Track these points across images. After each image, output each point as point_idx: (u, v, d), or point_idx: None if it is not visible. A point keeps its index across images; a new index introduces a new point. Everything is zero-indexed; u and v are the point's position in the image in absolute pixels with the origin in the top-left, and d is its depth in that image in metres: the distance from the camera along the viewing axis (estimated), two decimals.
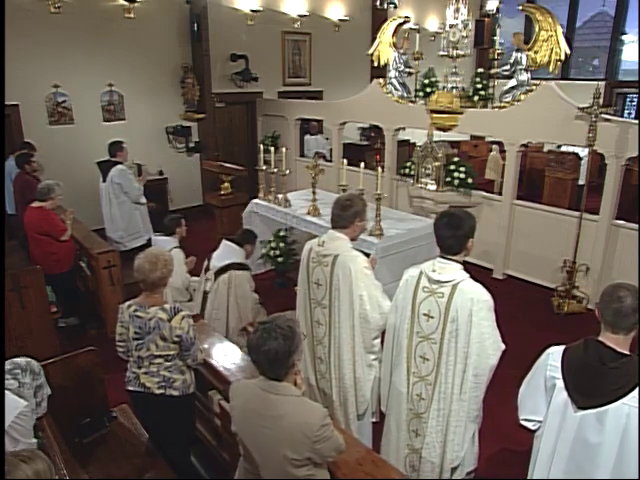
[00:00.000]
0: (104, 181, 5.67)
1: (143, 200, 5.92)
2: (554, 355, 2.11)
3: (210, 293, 3.91)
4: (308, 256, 2.99)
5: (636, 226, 4.99)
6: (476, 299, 2.37)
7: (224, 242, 4.11)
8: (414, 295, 2.55)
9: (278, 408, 1.87)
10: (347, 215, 2.83)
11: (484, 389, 2.50)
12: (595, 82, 5.02)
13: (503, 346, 2.49)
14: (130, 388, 2.77)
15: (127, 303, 2.73)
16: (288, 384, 1.93)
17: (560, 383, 2.03)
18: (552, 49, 5.56)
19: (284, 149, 5.58)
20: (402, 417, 2.68)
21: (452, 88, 6.04)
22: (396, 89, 7.03)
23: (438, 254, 2.55)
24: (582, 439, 1.97)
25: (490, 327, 2.41)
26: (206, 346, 3.13)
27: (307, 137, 9.06)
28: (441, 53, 5.97)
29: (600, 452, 1.93)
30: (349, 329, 2.85)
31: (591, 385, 1.96)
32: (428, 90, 6.65)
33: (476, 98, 6.14)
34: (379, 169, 4.55)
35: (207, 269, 4.04)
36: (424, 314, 2.52)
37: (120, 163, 5.67)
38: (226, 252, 4.01)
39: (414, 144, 8.07)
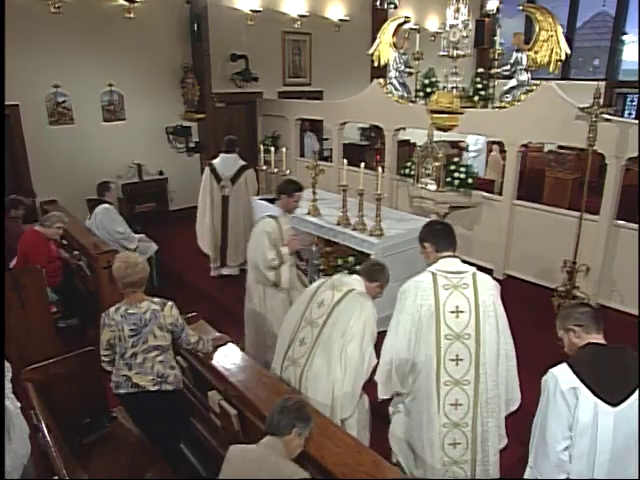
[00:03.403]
0: (89, 219, 5.57)
1: (131, 246, 5.43)
2: (560, 372, 2.10)
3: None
4: (323, 282, 3.05)
5: (636, 226, 4.99)
6: (493, 284, 2.60)
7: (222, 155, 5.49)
8: (435, 296, 2.55)
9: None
10: (376, 274, 2.99)
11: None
12: (595, 82, 5.00)
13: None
14: (122, 391, 2.80)
15: (112, 308, 2.80)
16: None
17: (583, 389, 2.02)
18: (552, 49, 5.55)
19: (284, 149, 5.58)
20: (434, 434, 2.59)
21: (452, 88, 6.03)
22: (396, 89, 7.02)
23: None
24: (622, 433, 2.00)
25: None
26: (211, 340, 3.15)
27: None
28: (441, 53, 5.95)
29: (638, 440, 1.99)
30: (334, 363, 2.75)
31: (616, 380, 2.01)
32: (428, 90, 6.64)
33: (476, 98, 6.13)
34: (379, 169, 4.56)
35: (219, 179, 5.56)
36: (451, 311, 2.52)
37: (108, 202, 5.55)
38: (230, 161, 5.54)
39: (414, 144, 8.07)
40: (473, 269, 2.61)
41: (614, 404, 1.99)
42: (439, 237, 2.67)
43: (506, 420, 2.77)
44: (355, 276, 3.03)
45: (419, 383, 2.61)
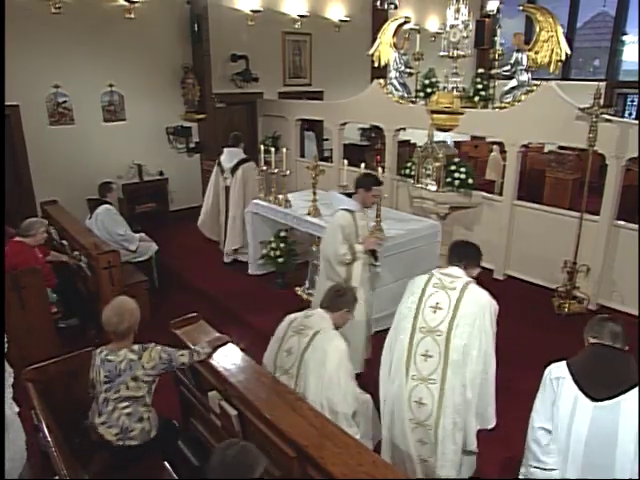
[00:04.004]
0: (90, 218, 5.59)
1: (132, 247, 5.58)
2: (556, 364, 2.22)
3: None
4: (289, 324, 2.94)
5: (636, 227, 4.98)
6: (487, 301, 2.55)
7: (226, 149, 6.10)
8: (422, 292, 2.63)
9: None
10: (339, 301, 2.89)
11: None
12: (596, 82, 5.02)
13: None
14: (92, 437, 2.79)
15: (100, 349, 2.80)
16: None
17: (568, 380, 2.10)
18: (553, 49, 5.53)
19: (284, 150, 5.58)
20: (405, 428, 2.65)
21: (453, 88, 6.02)
22: (397, 89, 7.02)
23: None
24: (598, 430, 2.01)
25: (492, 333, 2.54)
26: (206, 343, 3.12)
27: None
28: (441, 53, 5.94)
29: (616, 442, 1.99)
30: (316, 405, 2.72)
31: (604, 378, 2.04)
32: (429, 90, 6.64)
33: (477, 98, 6.13)
34: (379, 169, 4.56)
35: (223, 170, 6.08)
36: (431, 306, 2.57)
37: (109, 203, 5.60)
38: (233, 154, 6.08)
39: (414, 144, 8.06)
40: (469, 280, 2.63)
41: (596, 399, 2.03)
42: (450, 251, 2.81)
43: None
44: (319, 311, 2.91)
45: (393, 373, 2.71)
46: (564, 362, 2.18)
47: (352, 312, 2.98)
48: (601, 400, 2.01)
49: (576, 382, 2.08)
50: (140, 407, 2.78)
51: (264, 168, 5.90)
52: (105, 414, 2.74)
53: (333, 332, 2.83)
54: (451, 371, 2.51)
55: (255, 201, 5.89)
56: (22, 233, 4.56)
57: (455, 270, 2.68)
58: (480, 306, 2.54)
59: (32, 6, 6.46)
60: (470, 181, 5.85)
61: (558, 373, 2.16)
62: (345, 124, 7.93)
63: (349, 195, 3.83)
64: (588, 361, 2.12)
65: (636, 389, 1.98)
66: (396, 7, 10.09)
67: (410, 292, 2.73)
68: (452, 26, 5.79)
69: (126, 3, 7.11)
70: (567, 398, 2.08)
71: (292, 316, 3.00)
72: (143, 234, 5.87)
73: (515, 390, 3.48)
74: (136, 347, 2.77)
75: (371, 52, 7.36)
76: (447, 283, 2.61)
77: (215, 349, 3.03)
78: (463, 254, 2.75)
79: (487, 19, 11.10)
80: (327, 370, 2.69)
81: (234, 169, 6.11)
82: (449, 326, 2.51)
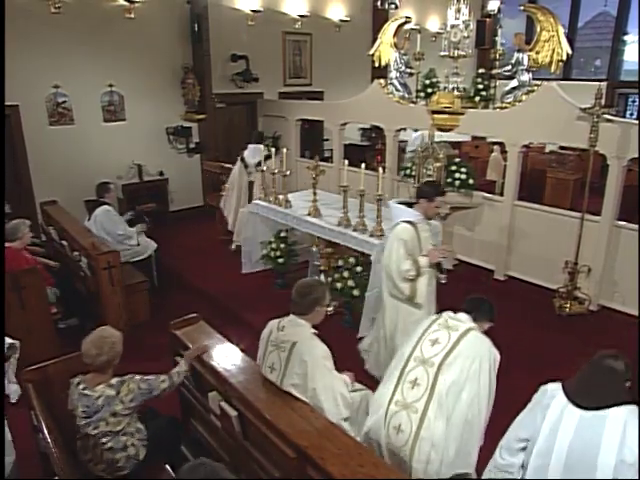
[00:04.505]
0: (89, 219, 5.59)
1: (133, 242, 5.65)
2: (552, 385, 2.21)
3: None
4: (267, 338, 2.85)
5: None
6: (487, 352, 2.49)
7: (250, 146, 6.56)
8: (427, 327, 2.66)
9: None
10: (306, 302, 2.75)
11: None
12: (597, 82, 5.01)
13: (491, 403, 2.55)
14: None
15: (76, 379, 2.72)
16: None
17: (560, 395, 2.12)
18: (554, 49, 5.52)
19: (285, 150, 5.57)
20: (382, 451, 2.59)
21: (453, 89, 5.98)
22: (397, 90, 7.00)
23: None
24: (583, 438, 2.01)
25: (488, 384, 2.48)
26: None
27: None
28: (442, 53, 5.89)
29: (598, 453, 1.98)
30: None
31: (595, 390, 2.05)
32: (429, 90, 6.63)
33: (477, 99, 6.12)
34: (380, 170, 4.54)
35: (246, 166, 6.48)
36: (430, 340, 2.56)
37: (108, 204, 5.60)
38: (257, 150, 6.41)
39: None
40: (474, 326, 2.61)
41: (583, 407, 2.05)
42: (465, 302, 2.79)
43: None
44: (292, 319, 2.80)
45: (380, 389, 2.69)
46: (560, 383, 2.20)
47: (325, 304, 2.84)
48: (588, 409, 2.03)
49: (566, 394, 2.11)
50: (121, 437, 2.71)
51: (264, 168, 5.90)
52: (90, 452, 2.70)
53: (310, 338, 2.73)
54: (435, 404, 2.44)
55: (255, 201, 5.89)
56: (8, 238, 4.52)
57: (464, 316, 2.68)
58: (479, 354, 2.49)
59: (32, 6, 6.44)
60: (471, 181, 5.85)
61: (553, 390, 2.18)
62: (345, 124, 7.91)
63: (410, 205, 3.59)
64: (581, 376, 2.14)
65: (623, 407, 1.99)
66: (397, 7, 10.07)
67: (417, 329, 2.75)
68: (453, 26, 5.76)
69: (126, 3, 7.10)
70: (556, 407, 2.11)
71: (272, 324, 2.89)
72: (139, 225, 5.87)
73: (516, 390, 3.47)
74: (114, 381, 2.68)
75: (371, 52, 7.34)
76: (452, 324, 2.62)
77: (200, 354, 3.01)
78: (474, 308, 2.72)
79: (488, 19, 11.08)
80: (310, 382, 2.64)
81: (259, 164, 6.19)
82: (442, 360, 2.48)
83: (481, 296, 2.86)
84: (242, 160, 6.61)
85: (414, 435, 2.44)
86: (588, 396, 2.05)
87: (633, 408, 2.01)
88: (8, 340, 2.62)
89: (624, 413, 1.98)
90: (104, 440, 2.66)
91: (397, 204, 3.65)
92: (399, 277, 3.45)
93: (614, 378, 2.04)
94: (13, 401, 2.69)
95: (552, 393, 2.17)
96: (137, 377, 2.75)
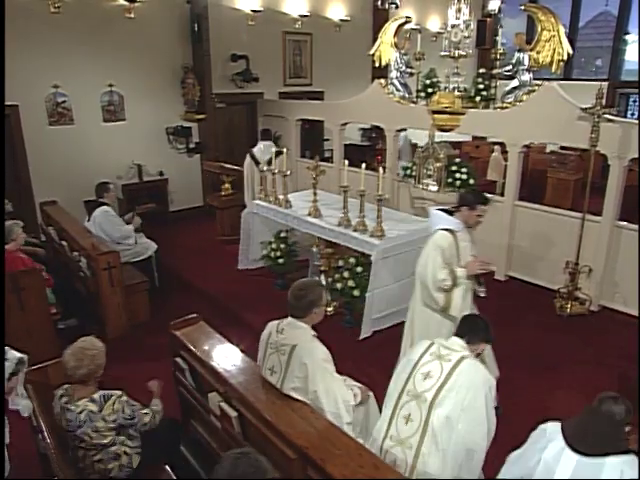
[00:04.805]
0: (88, 220, 5.58)
1: (130, 241, 5.64)
2: (550, 430, 2.16)
3: None
4: (267, 340, 2.82)
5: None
6: (482, 381, 2.39)
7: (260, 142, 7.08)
8: (419, 358, 2.54)
9: None
10: (302, 305, 2.71)
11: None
12: (598, 82, 4.99)
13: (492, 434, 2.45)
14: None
15: (60, 391, 2.67)
16: None
17: (559, 436, 2.09)
18: (554, 49, 5.50)
19: (285, 150, 5.56)
20: None
21: (454, 88, 5.97)
22: (397, 89, 6.99)
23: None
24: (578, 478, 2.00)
25: (485, 412, 2.37)
26: (206, 348, 3.10)
27: None
28: (443, 53, 5.88)
29: None
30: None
31: (593, 437, 2.01)
32: (430, 90, 6.61)
33: (478, 99, 6.10)
34: (380, 170, 4.53)
35: (257, 162, 6.75)
36: (422, 373, 2.46)
37: (107, 204, 5.58)
38: (267, 147, 6.79)
39: (416, 145, 8.04)
40: (467, 354, 2.49)
41: (581, 453, 2.02)
42: (459, 322, 2.72)
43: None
44: (290, 322, 2.75)
45: (377, 425, 2.62)
46: (559, 423, 2.16)
47: (322, 305, 2.79)
48: (586, 455, 2.00)
49: (565, 437, 2.07)
50: (110, 449, 2.67)
51: (264, 169, 5.89)
52: (81, 462, 2.67)
53: (309, 341, 2.69)
54: (429, 440, 2.37)
55: (255, 201, 5.87)
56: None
57: (456, 343, 2.55)
58: (474, 384, 2.38)
59: (31, 5, 6.43)
60: (471, 181, 5.83)
61: (552, 432, 2.13)
62: (346, 124, 7.90)
63: (450, 212, 3.44)
64: (580, 420, 2.10)
65: (621, 456, 1.96)
66: (397, 7, 10.06)
67: (409, 357, 2.63)
68: (453, 26, 5.74)
69: (126, 3, 7.09)
70: (553, 449, 2.08)
71: (271, 326, 2.86)
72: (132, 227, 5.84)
73: (516, 391, 3.46)
74: (97, 396, 2.60)
75: (372, 52, 7.33)
76: (444, 353, 2.50)
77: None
78: (468, 330, 2.61)
79: (488, 19, 11.10)
80: (311, 385, 2.62)
81: (271, 161, 6.18)
82: (435, 395, 2.39)
83: (475, 315, 2.74)
84: (252, 157, 6.88)
85: (410, 470, 2.39)
86: (586, 442, 2.02)
87: (631, 459, 1.97)
88: (16, 354, 2.60)
89: (621, 463, 1.96)
90: (92, 453, 2.62)
91: (437, 210, 3.50)
92: (434, 286, 3.31)
93: (613, 424, 2.00)
94: (25, 415, 2.67)
95: (550, 436, 2.12)
96: (124, 398, 2.68)
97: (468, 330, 2.61)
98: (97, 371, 2.64)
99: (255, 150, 7.04)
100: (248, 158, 7.04)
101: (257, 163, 6.87)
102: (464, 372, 2.40)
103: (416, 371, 2.51)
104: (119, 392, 2.69)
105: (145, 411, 2.79)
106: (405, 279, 4.73)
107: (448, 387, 2.38)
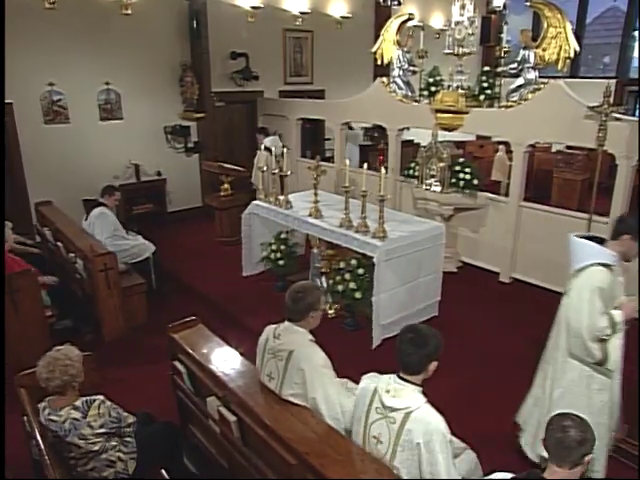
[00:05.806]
0: (86, 219, 5.51)
1: (121, 241, 5.44)
2: None
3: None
4: (264, 346, 2.76)
5: None
6: (430, 430, 2.13)
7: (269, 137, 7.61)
8: (367, 414, 2.30)
9: None
10: (299, 308, 2.65)
11: None
12: (606, 80, 4.91)
13: None
14: None
15: (43, 403, 2.60)
16: None
17: None
18: (561, 46, 5.42)
19: (285, 149, 5.50)
20: None
21: (457, 87, 5.92)
22: (400, 88, 6.90)
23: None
24: None
25: (445, 461, 2.13)
26: (205, 351, 3.08)
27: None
28: (446, 51, 5.85)
29: None
30: None
31: None
32: (433, 89, 6.53)
33: (482, 97, 6.02)
34: (382, 170, 4.47)
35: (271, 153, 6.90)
36: (374, 436, 2.28)
37: (105, 205, 5.50)
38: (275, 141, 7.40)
39: (418, 144, 7.96)
40: (411, 406, 2.17)
41: None
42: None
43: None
44: (287, 326, 2.67)
45: None
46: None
47: (320, 308, 2.72)
48: None
49: None
50: (102, 456, 2.61)
51: (265, 169, 5.81)
52: (74, 471, 2.60)
53: (307, 346, 2.63)
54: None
55: (255, 202, 5.79)
56: None
57: (400, 388, 2.22)
58: (424, 437, 2.12)
59: (26, 2, 6.34)
60: (475, 182, 5.78)
61: None
62: (347, 123, 7.84)
63: (600, 241, 2.81)
64: None
65: None
66: (399, 3, 9.99)
67: (357, 411, 2.37)
68: (457, 23, 5.70)
69: None
70: None
71: (268, 331, 2.80)
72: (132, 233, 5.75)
73: (521, 394, 3.38)
74: (79, 402, 2.56)
75: (374, 50, 7.25)
76: (387, 413, 2.22)
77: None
78: (412, 362, 2.21)
79: (493, 15, 11.02)
80: (310, 391, 2.57)
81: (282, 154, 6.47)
82: (390, 459, 2.21)
83: (425, 334, 2.25)
84: (267, 149, 7.30)
85: None
86: None
87: None
88: None
89: None
90: (83, 461, 2.57)
91: (581, 239, 2.84)
92: (590, 336, 2.73)
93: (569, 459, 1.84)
94: None
95: None
96: (108, 403, 2.64)
97: (413, 362, 2.22)
98: (72, 381, 2.57)
99: (267, 143, 7.43)
100: (263, 150, 7.34)
101: (270, 152, 7.09)
102: (412, 429, 2.15)
103: (368, 432, 2.30)
104: (101, 397, 2.64)
105: (127, 414, 2.77)
106: (412, 282, 4.66)
107: (400, 448, 2.19)
